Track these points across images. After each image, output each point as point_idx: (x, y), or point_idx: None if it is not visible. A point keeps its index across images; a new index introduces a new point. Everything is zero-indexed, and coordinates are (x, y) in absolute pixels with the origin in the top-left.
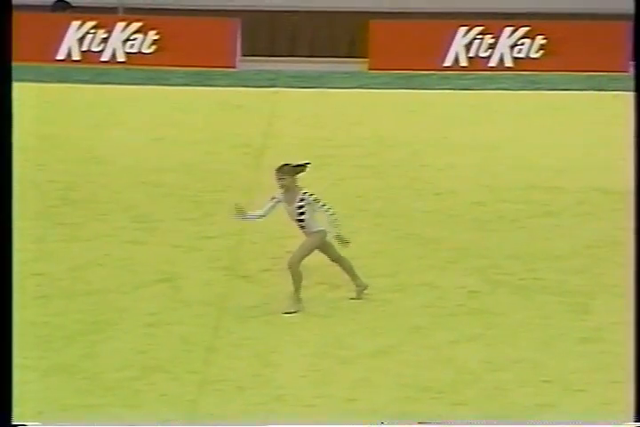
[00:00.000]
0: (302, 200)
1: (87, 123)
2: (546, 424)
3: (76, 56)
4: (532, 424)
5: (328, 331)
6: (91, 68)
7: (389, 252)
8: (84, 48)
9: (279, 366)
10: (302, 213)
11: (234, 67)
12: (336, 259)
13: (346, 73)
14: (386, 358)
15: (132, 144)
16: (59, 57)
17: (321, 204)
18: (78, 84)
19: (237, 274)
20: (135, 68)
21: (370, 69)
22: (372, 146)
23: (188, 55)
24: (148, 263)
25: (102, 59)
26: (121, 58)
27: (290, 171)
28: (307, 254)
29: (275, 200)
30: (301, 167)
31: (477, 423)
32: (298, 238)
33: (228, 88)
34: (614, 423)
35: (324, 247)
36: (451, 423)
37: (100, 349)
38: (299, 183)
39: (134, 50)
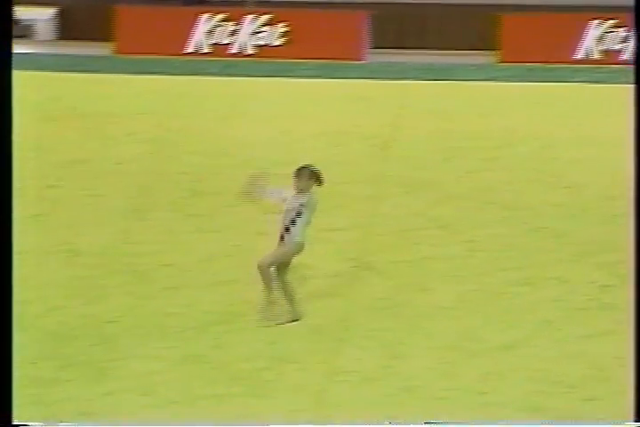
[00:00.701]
0: (302, 204)
1: (216, 115)
2: (546, 424)
3: (205, 49)
4: (533, 424)
5: (457, 323)
6: (220, 60)
7: (519, 245)
8: (214, 41)
9: (408, 357)
10: (299, 215)
11: (362, 59)
12: (283, 279)
13: (475, 65)
14: (516, 351)
15: (260, 136)
16: (188, 50)
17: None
18: (207, 77)
19: (365, 266)
20: (264, 61)
21: (500, 62)
22: (501, 138)
23: (317, 47)
24: None
25: (231, 51)
26: (250, 50)
27: (310, 175)
28: (278, 262)
29: (282, 198)
30: (319, 176)
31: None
32: (425, 231)
33: (356, 80)
34: (614, 423)
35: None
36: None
37: (230, 339)
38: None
39: (263, 42)
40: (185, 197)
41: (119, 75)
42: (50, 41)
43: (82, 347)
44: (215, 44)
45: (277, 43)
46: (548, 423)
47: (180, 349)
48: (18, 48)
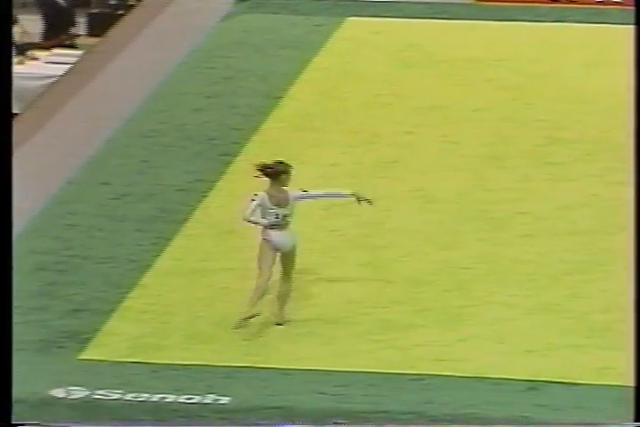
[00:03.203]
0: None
1: (579, 62)
2: (546, 424)
3: None
4: (532, 424)
5: None
6: (585, 7)
7: None
8: None
9: None
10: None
11: None
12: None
13: None
14: None
15: (622, 84)
16: None
17: None
18: (572, 24)
19: None
20: (631, 8)
21: None
22: None
23: None
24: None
25: None
26: None
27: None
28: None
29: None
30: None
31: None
32: None
33: None
34: (614, 423)
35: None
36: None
37: (586, 289)
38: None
39: None
40: (543, 144)
41: (480, 21)
42: None
43: (436, 292)
44: None
45: None
46: (548, 423)
47: (534, 297)
48: None
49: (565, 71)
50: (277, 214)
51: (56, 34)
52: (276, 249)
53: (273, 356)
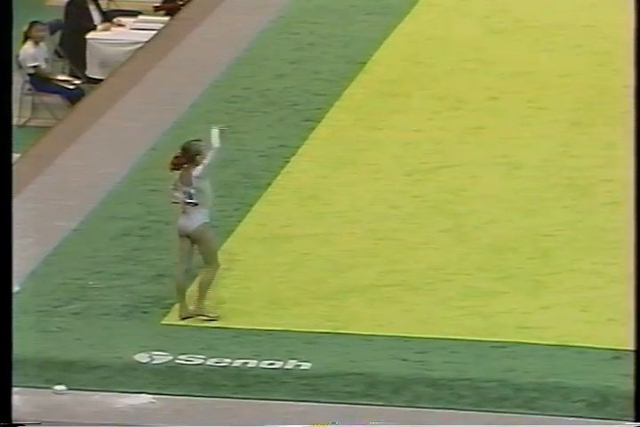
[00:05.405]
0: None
1: None
2: (546, 424)
3: None
4: (532, 424)
5: None
6: None
7: None
8: None
9: None
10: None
11: None
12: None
13: None
14: None
15: None
16: None
17: None
18: None
19: None
20: None
21: None
22: None
23: None
24: None
25: None
26: None
27: None
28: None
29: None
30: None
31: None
32: None
33: None
34: (614, 423)
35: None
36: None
37: None
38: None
39: None
40: (628, 111)
41: None
42: None
43: (519, 259)
44: None
45: None
46: (547, 423)
47: (618, 265)
48: None
49: None
50: (183, 192)
51: None
52: (181, 234)
53: (354, 322)
